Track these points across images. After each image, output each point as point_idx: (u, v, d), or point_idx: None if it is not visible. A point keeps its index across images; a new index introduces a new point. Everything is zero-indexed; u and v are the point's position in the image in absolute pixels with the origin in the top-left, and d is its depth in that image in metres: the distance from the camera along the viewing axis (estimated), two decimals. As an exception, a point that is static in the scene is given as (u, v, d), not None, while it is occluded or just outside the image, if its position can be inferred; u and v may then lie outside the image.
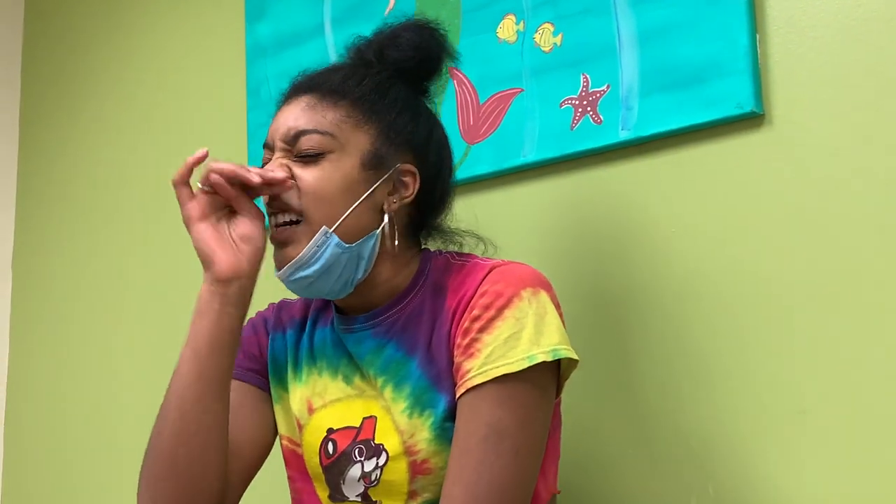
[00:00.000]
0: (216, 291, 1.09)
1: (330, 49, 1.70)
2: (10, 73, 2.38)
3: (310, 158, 1.12)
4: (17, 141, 2.36)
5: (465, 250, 1.24)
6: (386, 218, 1.14)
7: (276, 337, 1.26)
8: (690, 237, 1.29)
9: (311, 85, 1.18)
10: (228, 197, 1.11)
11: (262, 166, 1.15)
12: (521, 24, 1.46)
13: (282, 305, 1.30)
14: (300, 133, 1.13)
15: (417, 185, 1.17)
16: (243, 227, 1.12)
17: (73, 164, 2.23)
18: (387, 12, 1.62)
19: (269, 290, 1.26)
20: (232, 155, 1.85)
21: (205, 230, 1.11)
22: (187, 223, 1.12)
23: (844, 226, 1.18)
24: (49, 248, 2.26)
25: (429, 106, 1.23)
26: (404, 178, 1.16)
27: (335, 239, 1.11)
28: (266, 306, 1.30)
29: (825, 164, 1.20)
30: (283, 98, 1.19)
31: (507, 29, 1.48)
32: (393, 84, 1.18)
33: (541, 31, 1.44)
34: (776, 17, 1.25)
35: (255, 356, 1.25)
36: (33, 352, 2.25)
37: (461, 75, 1.52)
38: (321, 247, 1.11)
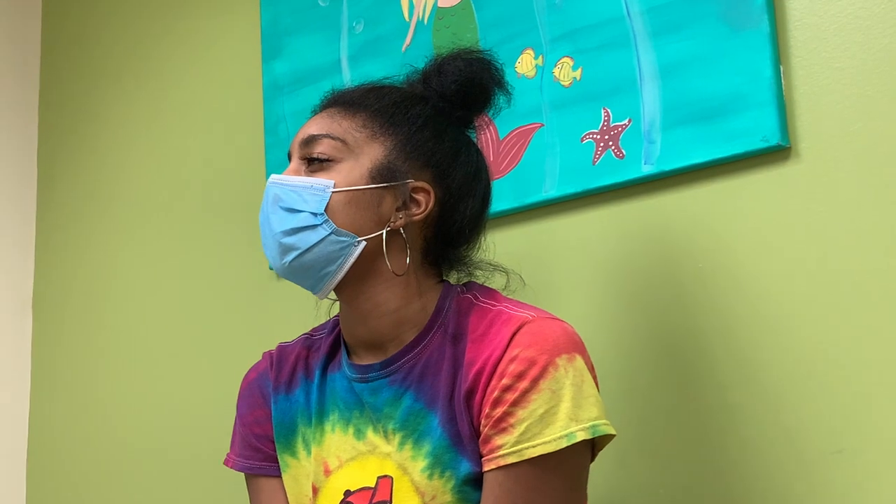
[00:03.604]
0: None
1: (347, 86, 1.69)
2: (27, 115, 2.38)
3: (318, 165, 1.09)
4: (35, 175, 2.36)
5: (490, 284, 1.16)
6: (385, 231, 1.08)
7: (278, 399, 1.17)
8: (718, 273, 1.26)
9: (334, 99, 1.17)
10: None
11: None
12: (540, 58, 1.45)
13: (279, 357, 1.20)
14: (312, 137, 1.10)
15: (431, 205, 1.10)
16: None
17: (91, 200, 2.23)
18: (404, 49, 1.61)
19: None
20: (250, 193, 1.84)
21: None
22: None
23: (875, 259, 1.15)
24: (69, 284, 2.26)
25: (467, 134, 1.18)
26: (416, 196, 1.10)
27: (332, 225, 1.07)
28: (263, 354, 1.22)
29: (854, 197, 1.18)
30: (311, 115, 1.18)
31: (526, 64, 1.46)
32: (420, 102, 1.13)
33: (560, 66, 1.43)
34: (799, 48, 1.23)
35: (267, 437, 1.17)
36: (55, 388, 2.24)
37: (480, 111, 1.51)
38: (317, 218, 1.07)
